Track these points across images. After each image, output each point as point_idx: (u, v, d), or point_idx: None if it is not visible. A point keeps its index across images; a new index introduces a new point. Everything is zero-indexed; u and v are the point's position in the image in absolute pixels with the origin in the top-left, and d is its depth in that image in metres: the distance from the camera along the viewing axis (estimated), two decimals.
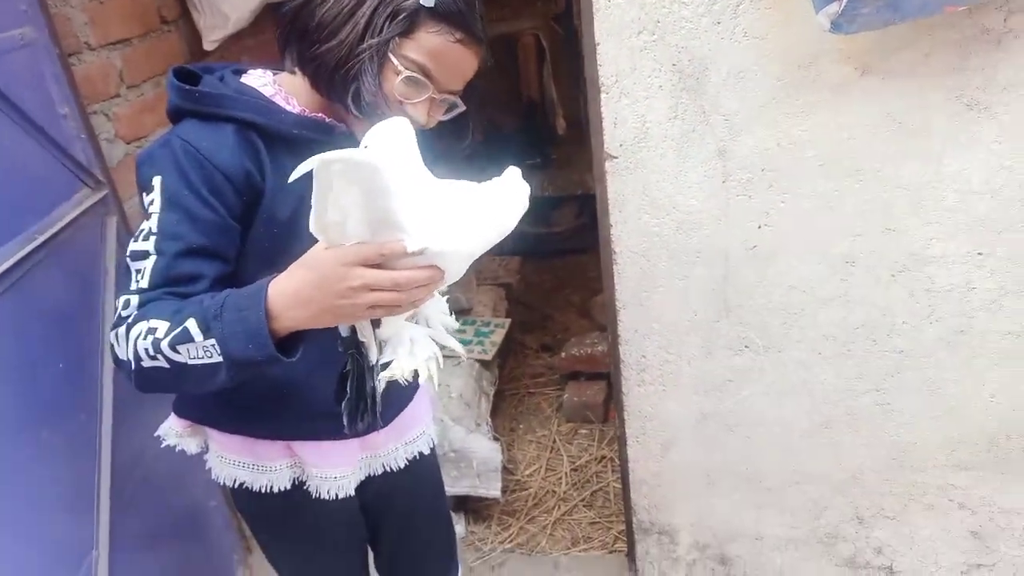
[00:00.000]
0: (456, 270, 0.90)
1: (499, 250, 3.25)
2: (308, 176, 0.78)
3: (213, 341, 0.84)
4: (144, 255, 0.91)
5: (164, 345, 0.85)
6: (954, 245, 1.27)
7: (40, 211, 1.36)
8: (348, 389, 0.98)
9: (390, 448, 1.25)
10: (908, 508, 1.53)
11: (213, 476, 1.18)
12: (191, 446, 1.19)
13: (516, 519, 2.17)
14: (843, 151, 1.23)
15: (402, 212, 0.81)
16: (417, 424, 1.30)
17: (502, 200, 0.90)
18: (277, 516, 1.23)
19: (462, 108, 1.03)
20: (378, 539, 1.38)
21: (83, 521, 1.35)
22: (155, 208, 0.92)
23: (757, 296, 1.38)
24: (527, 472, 2.34)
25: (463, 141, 1.11)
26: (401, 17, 0.92)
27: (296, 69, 1.00)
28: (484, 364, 2.32)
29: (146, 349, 0.86)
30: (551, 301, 3.22)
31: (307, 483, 1.17)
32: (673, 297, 1.41)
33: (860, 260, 1.31)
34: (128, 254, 0.93)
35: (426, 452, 1.31)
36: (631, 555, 1.79)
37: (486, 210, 0.88)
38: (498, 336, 2.40)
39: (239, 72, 1.03)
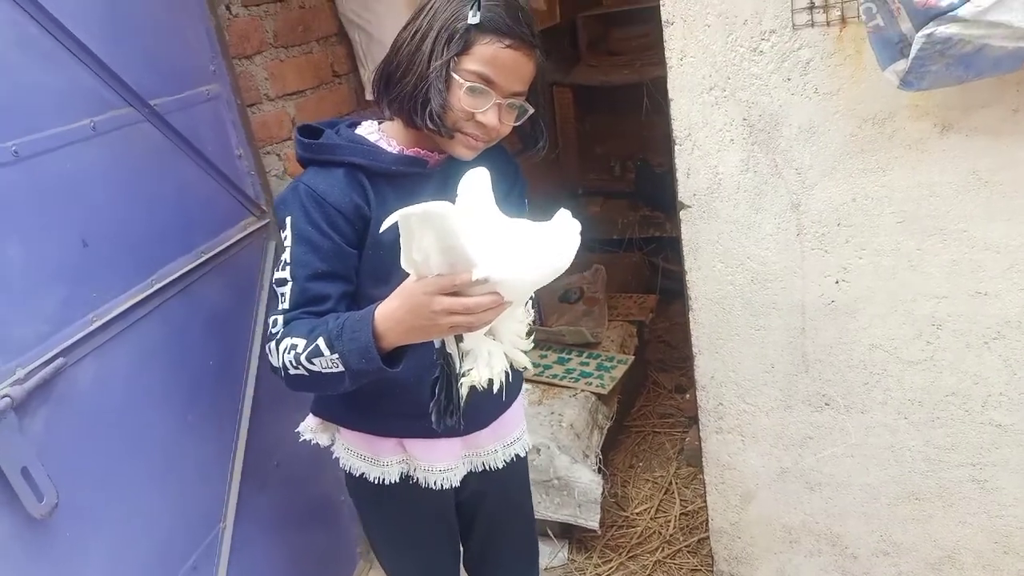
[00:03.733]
0: (517, 297, 1.04)
1: (634, 287, 3.29)
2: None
3: (337, 356, 1.04)
4: (284, 282, 1.14)
5: (303, 359, 1.07)
6: None
7: (210, 233, 1.65)
8: (436, 392, 1.13)
9: (490, 448, 1.39)
10: None
11: (340, 464, 1.39)
12: (323, 439, 1.41)
13: (618, 554, 2.20)
14: (924, 209, 1.19)
15: (469, 248, 0.96)
16: (515, 428, 1.42)
17: (555, 238, 1.02)
18: (385, 505, 1.41)
19: (531, 111, 1.16)
20: (469, 536, 1.52)
21: (215, 496, 1.60)
22: (288, 242, 1.14)
23: (837, 352, 1.34)
24: (637, 510, 2.35)
25: (539, 143, 1.23)
26: (456, 38, 1.08)
27: (391, 114, 1.18)
28: (601, 398, 2.38)
29: (291, 361, 1.08)
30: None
31: (414, 477, 1.34)
32: (750, 348, 1.41)
33: (947, 323, 1.24)
34: (273, 281, 1.17)
35: (522, 455, 1.43)
36: None
37: (541, 246, 1.02)
38: (618, 372, 2.44)
39: (354, 124, 1.23)
